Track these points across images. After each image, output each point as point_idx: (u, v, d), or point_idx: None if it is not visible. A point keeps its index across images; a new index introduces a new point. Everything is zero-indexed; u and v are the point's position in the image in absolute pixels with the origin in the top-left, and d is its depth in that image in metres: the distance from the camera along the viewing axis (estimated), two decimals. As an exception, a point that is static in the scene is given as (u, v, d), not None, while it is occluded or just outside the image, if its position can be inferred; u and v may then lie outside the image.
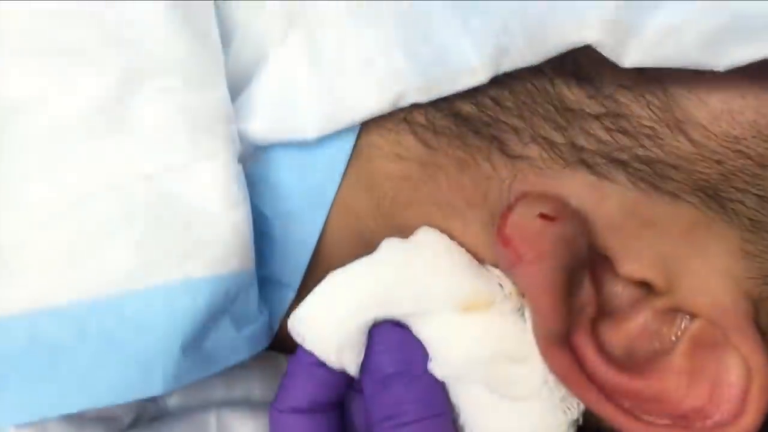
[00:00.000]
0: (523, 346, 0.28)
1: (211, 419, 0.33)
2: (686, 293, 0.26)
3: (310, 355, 0.30)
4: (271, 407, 0.31)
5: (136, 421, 0.32)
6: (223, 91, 0.29)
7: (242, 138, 0.30)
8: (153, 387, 0.26)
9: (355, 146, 0.30)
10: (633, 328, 0.27)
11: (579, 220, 0.26)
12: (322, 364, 0.30)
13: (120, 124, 0.27)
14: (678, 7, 0.22)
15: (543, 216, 0.26)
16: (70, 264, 0.26)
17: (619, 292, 0.27)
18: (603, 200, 0.26)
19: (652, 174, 0.25)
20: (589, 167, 0.26)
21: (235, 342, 0.29)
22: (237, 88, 0.30)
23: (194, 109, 0.28)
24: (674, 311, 0.27)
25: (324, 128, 0.29)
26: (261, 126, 0.30)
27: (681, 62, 0.22)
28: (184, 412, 0.34)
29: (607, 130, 0.26)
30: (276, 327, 0.33)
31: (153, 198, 0.27)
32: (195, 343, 0.27)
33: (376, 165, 0.30)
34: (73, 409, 0.26)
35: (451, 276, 0.28)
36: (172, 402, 0.34)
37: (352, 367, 0.29)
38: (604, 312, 0.27)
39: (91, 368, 0.25)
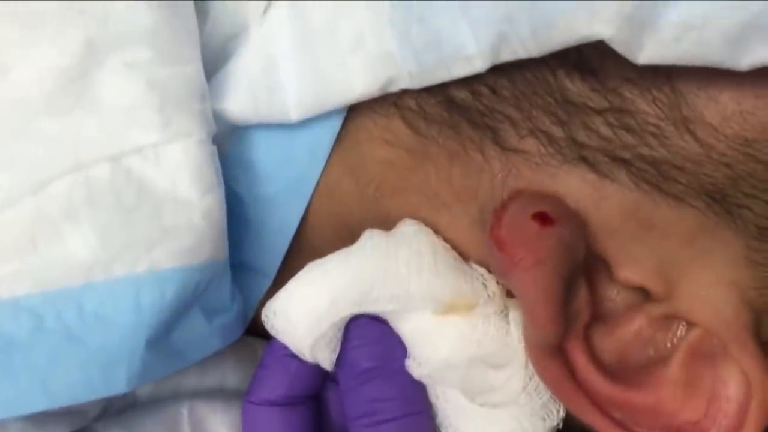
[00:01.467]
0: (504, 351, 0.27)
1: (183, 410, 0.32)
2: (685, 301, 0.25)
3: (285, 347, 0.28)
4: (245, 399, 0.30)
5: (102, 413, 0.31)
6: (196, 66, 0.27)
7: (218, 118, 0.28)
8: (116, 385, 0.25)
9: (341, 129, 0.28)
10: (626, 334, 0.26)
11: (577, 222, 0.25)
12: (296, 356, 0.29)
13: (83, 99, 0.25)
14: (698, 2, 0.20)
15: (540, 217, 0.24)
16: (26, 252, 0.24)
17: (613, 296, 0.26)
18: (602, 200, 0.25)
19: (655, 175, 0.24)
20: (590, 165, 0.25)
21: (206, 334, 0.28)
22: (213, 64, 0.28)
23: (164, 85, 0.26)
24: (671, 318, 0.25)
25: (307, 111, 0.27)
26: (239, 106, 0.28)
27: (700, 60, 0.21)
28: (155, 402, 0.32)
29: (610, 126, 0.24)
30: (251, 315, 0.31)
31: (118, 181, 0.25)
32: (162, 338, 0.26)
33: (363, 149, 0.28)
34: (29, 410, 0.24)
35: (433, 275, 0.27)
36: (142, 392, 0.33)
37: (327, 363, 0.28)
38: (596, 317, 0.26)
39: (49, 366, 0.24)
